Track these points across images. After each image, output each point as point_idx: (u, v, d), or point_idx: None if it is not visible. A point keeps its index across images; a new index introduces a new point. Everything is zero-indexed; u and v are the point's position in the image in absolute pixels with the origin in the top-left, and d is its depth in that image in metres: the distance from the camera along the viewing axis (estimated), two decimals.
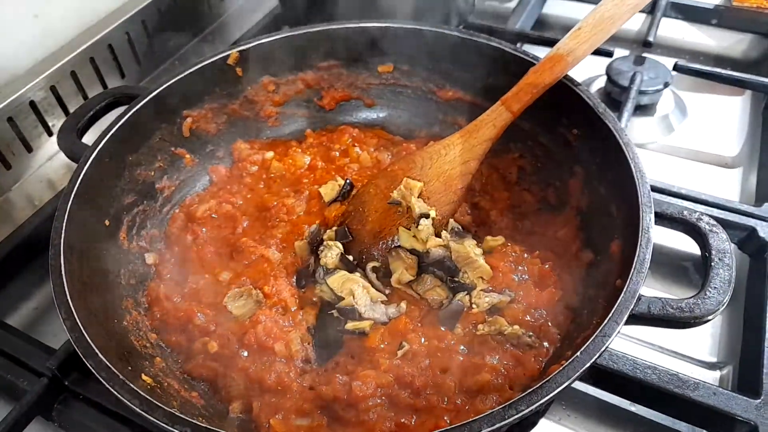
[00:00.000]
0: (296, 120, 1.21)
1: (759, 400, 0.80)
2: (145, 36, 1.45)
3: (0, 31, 1.18)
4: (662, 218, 0.81)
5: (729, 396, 0.80)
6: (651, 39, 1.41)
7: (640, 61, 1.33)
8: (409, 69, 1.17)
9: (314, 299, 0.93)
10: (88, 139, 0.98)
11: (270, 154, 1.13)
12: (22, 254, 1.06)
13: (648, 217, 0.76)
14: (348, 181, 1.05)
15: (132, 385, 0.64)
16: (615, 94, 1.31)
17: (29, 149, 1.24)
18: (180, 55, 1.57)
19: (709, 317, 0.69)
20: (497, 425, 0.59)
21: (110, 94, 1.03)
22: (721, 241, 0.75)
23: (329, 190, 1.04)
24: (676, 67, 1.32)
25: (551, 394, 0.61)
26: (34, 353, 0.90)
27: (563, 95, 0.96)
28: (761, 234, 0.99)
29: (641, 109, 1.30)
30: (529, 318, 0.85)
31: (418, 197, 0.94)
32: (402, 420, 0.76)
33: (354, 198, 1.01)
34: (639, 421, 0.88)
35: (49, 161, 1.28)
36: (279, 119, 1.19)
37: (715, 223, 0.77)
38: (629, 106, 1.21)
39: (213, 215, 1.03)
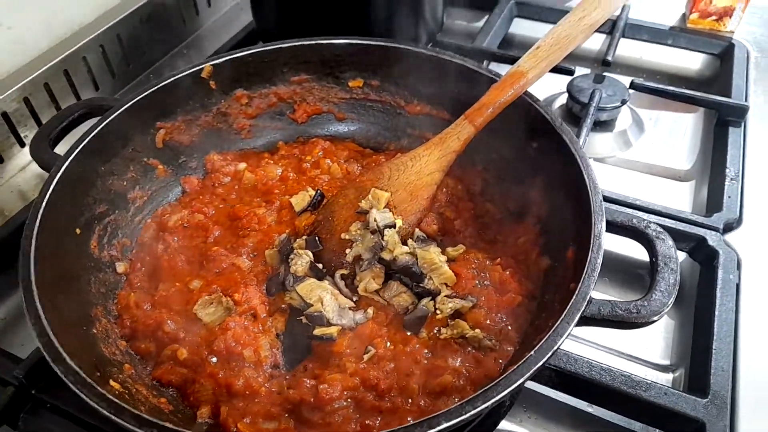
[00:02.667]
0: (269, 132, 1.24)
1: (706, 400, 0.84)
2: (120, 49, 1.47)
3: None
4: (613, 226, 0.85)
5: (678, 396, 0.84)
6: (610, 58, 1.48)
7: (599, 79, 1.39)
8: (378, 84, 1.21)
9: (284, 306, 0.95)
10: (61, 149, 0.99)
11: (242, 166, 1.16)
12: None
13: (599, 225, 0.80)
14: (318, 191, 1.08)
15: (100, 389, 0.66)
16: (576, 111, 1.37)
17: (1, 160, 1.25)
18: (154, 68, 1.59)
19: (655, 318, 0.74)
20: (455, 420, 0.62)
21: (83, 105, 1.05)
22: (667, 247, 0.80)
23: (300, 200, 1.07)
24: (632, 85, 1.39)
25: (506, 391, 0.64)
26: (1, 362, 0.90)
27: (524, 110, 1.01)
28: (710, 243, 1.05)
29: (600, 125, 1.36)
30: (490, 322, 0.88)
31: (384, 207, 0.97)
32: (367, 422, 0.78)
33: (324, 208, 1.04)
34: (596, 421, 0.91)
35: (20, 172, 1.29)
36: (252, 131, 1.22)
37: (661, 230, 0.82)
38: (588, 122, 1.27)
39: (185, 225, 1.05)
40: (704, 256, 1.05)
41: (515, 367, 0.66)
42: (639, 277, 1.10)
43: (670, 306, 0.75)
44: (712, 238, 1.05)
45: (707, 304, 0.98)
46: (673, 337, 1.03)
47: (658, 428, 0.89)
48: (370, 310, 0.93)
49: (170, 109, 1.10)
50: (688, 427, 0.84)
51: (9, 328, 1.04)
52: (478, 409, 0.63)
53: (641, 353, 1.01)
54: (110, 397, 0.65)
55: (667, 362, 1.00)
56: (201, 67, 1.11)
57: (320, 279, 0.95)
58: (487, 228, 1.05)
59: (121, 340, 0.88)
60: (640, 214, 1.05)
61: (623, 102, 1.35)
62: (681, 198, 1.25)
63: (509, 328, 0.88)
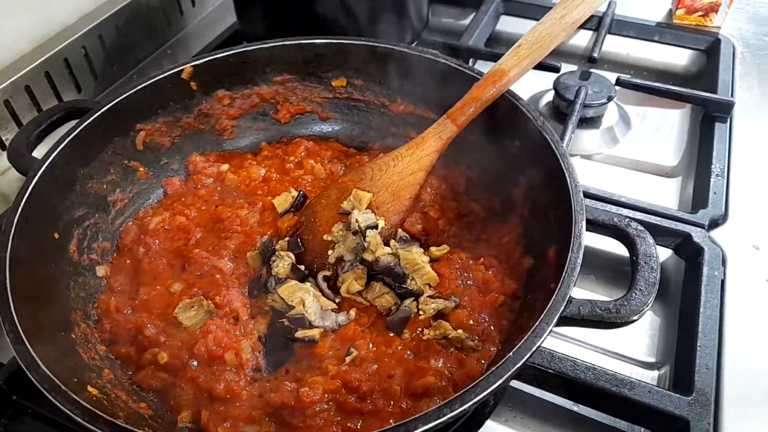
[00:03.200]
0: (252, 133, 1.23)
1: (690, 398, 0.84)
2: (103, 50, 1.46)
3: None
4: (594, 224, 0.85)
5: (663, 394, 0.84)
6: (596, 55, 1.47)
7: (585, 76, 1.39)
8: (361, 83, 1.20)
9: (266, 309, 0.94)
10: (40, 152, 0.98)
11: (225, 167, 1.15)
12: None
13: (580, 224, 0.80)
14: (301, 192, 1.07)
15: (75, 396, 0.65)
16: (562, 108, 1.36)
17: None
18: (138, 69, 1.58)
19: (634, 318, 0.73)
20: (432, 423, 0.61)
21: (62, 108, 1.04)
22: (647, 245, 0.80)
23: (282, 201, 1.06)
24: (618, 82, 1.39)
25: (484, 393, 0.64)
26: None
27: (506, 109, 1.00)
28: (695, 239, 1.04)
29: (587, 122, 1.36)
30: (473, 322, 0.88)
31: (366, 208, 0.97)
32: (348, 424, 0.77)
33: (306, 209, 1.03)
34: (582, 420, 0.91)
35: (2, 175, 1.27)
36: (234, 132, 1.21)
37: (642, 228, 0.82)
38: (574, 119, 1.27)
39: (166, 227, 1.04)
40: (689, 253, 1.05)
41: (494, 368, 0.66)
42: (625, 274, 1.09)
43: (650, 305, 0.75)
44: (697, 235, 1.04)
45: (692, 301, 0.98)
46: (658, 335, 1.03)
47: (643, 427, 0.90)
48: (353, 312, 0.92)
49: (150, 110, 1.09)
50: (673, 425, 0.83)
51: None
52: (456, 411, 0.63)
53: (626, 351, 1.00)
54: (84, 404, 0.64)
55: (652, 360, 1.00)
56: (181, 68, 1.10)
57: (302, 281, 0.95)
58: (472, 227, 1.04)
59: (101, 344, 0.88)
60: (622, 211, 1.05)
61: (609, 99, 1.34)
62: (667, 194, 1.25)
63: (492, 328, 0.88)
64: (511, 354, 0.67)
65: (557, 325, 0.71)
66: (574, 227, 0.79)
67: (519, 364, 0.66)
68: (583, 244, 0.78)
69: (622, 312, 0.73)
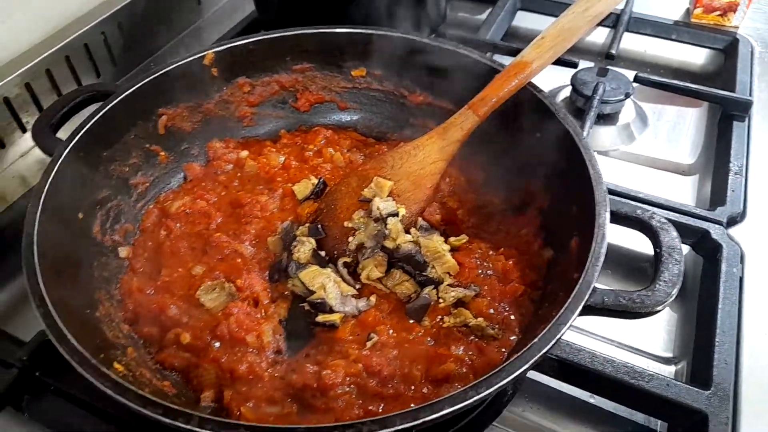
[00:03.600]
0: (271, 121, 1.23)
1: (709, 392, 0.84)
2: (121, 37, 1.46)
3: None
4: (617, 216, 0.85)
5: (681, 387, 0.84)
6: (614, 51, 1.48)
7: (603, 72, 1.39)
8: (381, 74, 1.21)
9: (286, 293, 0.95)
10: (63, 134, 0.98)
11: (244, 153, 1.15)
12: None
13: (603, 215, 0.80)
14: (321, 179, 1.07)
15: (105, 370, 0.66)
16: (579, 103, 1.37)
17: (2, 145, 1.24)
18: (156, 56, 1.58)
19: (659, 308, 0.74)
20: (459, 405, 0.62)
21: (86, 91, 1.04)
22: (671, 238, 0.80)
23: (303, 188, 1.07)
24: (636, 79, 1.39)
25: (510, 378, 0.64)
26: (4, 345, 0.91)
27: (527, 101, 1.01)
28: (714, 236, 1.04)
29: (604, 119, 1.36)
30: (492, 311, 0.88)
31: (387, 196, 0.97)
32: (369, 407, 0.78)
33: (326, 196, 1.04)
34: (598, 412, 0.91)
35: (22, 158, 1.28)
36: (254, 119, 1.22)
37: (665, 221, 0.82)
38: (592, 114, 1.27)
39: (187, 211, 1.04)
40: (707, 250, 1.05)
41: (519, 354, 0.66)
42: (641, 270, 1.10)
43: (674, 296, 0.75)
44: (715, 232, 1.05)
45: (710, 297, 0.98)
46: (675, 330, 1.03)
47: (660, 419, 0.90)
48: (373, 298, 0.93)
49: (172, 95, 1.10)
50: (691, 418, 0.84)
51: (12, 312, 1.04)
52: (482, 395, 0.63)
53: (643, 345, 1.01)
54: (115, 377, 0.65)
55: (669, 354, 1.00)
56: (203, 54, 1.11)
57: (323, 266, 0.95)
58: (490, 218, 1.05)
59: (124, 323, 0.88)
60: (643, 205, 1.05)
61: (627, 95, 1.34)
62: (684, 192, 1.25)
63: (512, 317, 0.88)
64: (536, 340, 0.67)
65: (581, 314, 0.72)
66: (598, 218, 0.79)
67: (545, 350, 0.66)
68: (607, 234, 0.78)
69: (646, 302, 0.73)
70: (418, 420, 0.60)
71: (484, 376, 0.65)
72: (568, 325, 0.69)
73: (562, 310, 0.70)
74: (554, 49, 0.99)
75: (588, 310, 0.73)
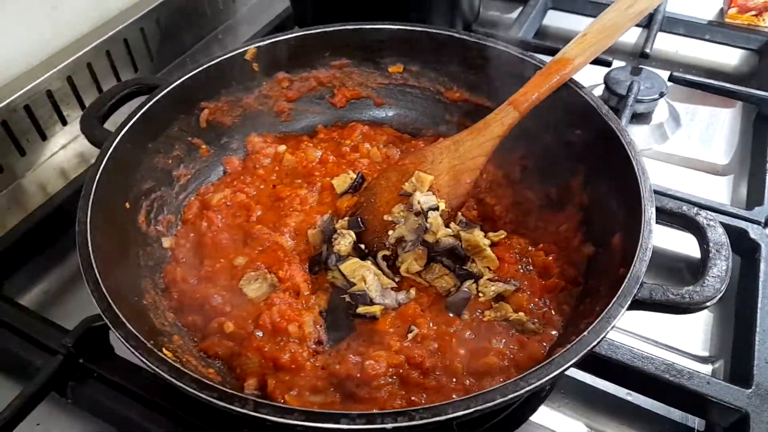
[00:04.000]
0: (308, 116, 1.25)
1: (750, 390, 0.84)
2: (159, 33, 1.49)
3: (19, 22, 1.21)
4: (662, 213, 0.85)
5: (722, 386, 0.84)
6: (648, 51, 1.47)
7: (637, 71, 1.38)
8: (418, 70, 1.21)
9: (326, 285, 0.96)
10: (108, 127, 1.00)
11: (282, 148, 1.17)
12: (33, 240, 1.08)
13: (650, 210, 0.80)
14: (360, 174, 1.08)
15: (160, 353, 0.67)
16: (612, 102, 1.36)
17: (44, 137, 1.27)
18: (191, 52, 1.61)
19: (707, 303, 0.73)
20: (509, 396, 0.62)
21: (131, 84, 1.06)
22: (718, 234, 0.80)
23: (341, 182, 1.08)
24: (671, 78, 1.38)
25: (561, 369, 0.64)
26: (49, 332, 0.93)
27: (567, 97, 1.01)
28: (753, 236, 1.04)
29: (637, 118, 1.36)
30: (533, 306, 0.89)
31: (428, 190, 0.98)
32: (412, 398, 0.79)
33: (365, 190, 1.05)
34: (634, 409, 0.92)
35: (62, 150, 1.31)
36: (292, 114, 1.23)
37: (712, 217, 0.82)
38: (626, 113, 1.27)
39: (227, 203, 1.06)
40: (746, 249, 1.05)
41: (569, 346, 0.66)
42: (677, 270, 1.10)
43: (723, 292, 0.75)
44: (754, 231, 1.04)
45: (749, 296, 0.97)
46: (711, 329, 1.03)
47: (699, 417, 0.90)
48: (413, 291, 0.94)
49: (214, 89, 1.11)
50: (731, 416, 0.83)
51: (55, 301, 1.07)
52: (533, 386, 0.63)
53: (680, 344, 1.00)
54: (170, 361, 0.66)
55: (706, 353, 1.00)
56: (245, 49, 1.12)
57: (363, 259, 0.96)
58: (528, 214, 1.05)
59: (169, 312, 0.90)
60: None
61: (661, 95, 1.34)
62: (718, 192, 1.25)
63: (552, 312, 0.88)
64: (585, 333, 0.67)
65: (629, 308, 0.72)
66: (645, 213, 0.79)
67: (594, 343, 0.66)
68: (654, 229, 0.78)
69: (696, 298, 0.73)
70: (470, 409, 0.61)
71: (534, 368, 0.65)
72: (617, 318, 0.69)
73: (611, 305, 0.70)
74: (596, 47, 0.99)
75: (636, 305, 0.73)
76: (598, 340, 0.67)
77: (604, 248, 0.89)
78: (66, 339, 0.88)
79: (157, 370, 0.65)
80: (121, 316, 0.70)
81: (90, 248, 0.77)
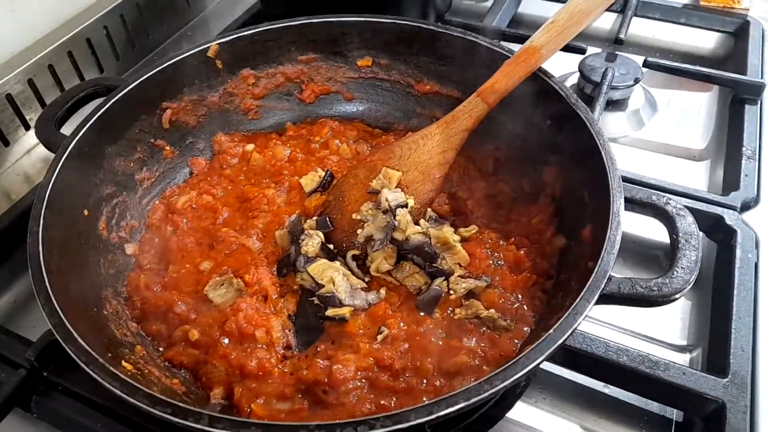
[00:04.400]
0: (276, 113, 1.22)
1: (726, 380, 0.83)
2: (124, 30, 1.45)
3: None
4: (632, 203, 0.84)
5: (698, 376, 0.83)
6: (622, 36, 1.45)
7: (611, 57, 1.37)
8: (387, 63, 1.19)
9: (295, 287, 0.94)
10: (66, 130, 0.97)
11: (250, 147, 1.14)
12: None
13: (618, 202, 0.78)
14: (328, 171, 1.06)
15: (112, 369, 0.65)
16: (587, 90, 1.34)
17: (6, 143, 1.23)
18: (159, 50, 1.57)
19: (676, 296, 0.72)
20: (473, 399, 0.60)
21: (89, 85, 1.03)
22: (687, 224, 0.78)
23: (309, 181, 1.05)
24: (646, 64, 1.36)
25: (526, 369, 0.63)
26: (12, 345, 0.90)
27: (537, 87, 0.99)
28: (728, 222, 1.03)
29: (613, 105, 1.34)
30: (504, 302, 0.87)
31: (396, 187, 0.96)
32: (382, 402, 0.77)
33: (334, 188, 1.02)
34: (612, 401, 0.90)
35: (26, 155, 1.27)
36: (259, 112, 1.20)
37: (682, 207, 0.80)
38: (601, 101, 1.25)
39: (193, 206, 1.04)
40: (722, 236, 1.03)
41: (535, 345, 0.65)
42: (654, 258, 1.09)
43: (692, 283, 0.73)
44: (729, 217, 1.03)
45: (725, 283, 0.96)
46: (689, 318, 1.02)
47: (676, 409, 0.89)
48: (383, 291, 0.92)
49: (176, 88, 1.09)
50: (708, 407, 0.82)
51: (19, 311, 1.04)
52: (497, 388, 0.62)
53: (657, 333, 0.99)
54: (123, 377, 0.64)
55: (683, 342, 0.98)
56: (207, 46, 1.09)
57: (331, 260, 0.94)
58: (500, 207, 1.03)
59: (132, 321, 0.88)
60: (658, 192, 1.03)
61: (636, 80, 1.32)
62: (695, 178, 1.23)
63: (524, 308, 0.87)
64: (552, 330, 0.66)
65: (597, 303, 0.70)
66: (613, 205, 0.77)
67: (561, 341, 0.65)
68: (622, 222, 0.76)
69: (664, 290, 0.72)
70: (432, 415, 0.59)
71: (499, 369, 0.64)
72: (584, 315, 0.67)
73: (577, 300, 0.69)
74: (564, 34, 0.97)
75: (604, 299, 0.71)
76: (564, 337, 0.65)
77: (576, 240, 0.87)
78: (29, 353, 0.86)
79: (108, 386, 0.63)
80: (73, 330, 0.67)
81: (41, 260, 0.74)
